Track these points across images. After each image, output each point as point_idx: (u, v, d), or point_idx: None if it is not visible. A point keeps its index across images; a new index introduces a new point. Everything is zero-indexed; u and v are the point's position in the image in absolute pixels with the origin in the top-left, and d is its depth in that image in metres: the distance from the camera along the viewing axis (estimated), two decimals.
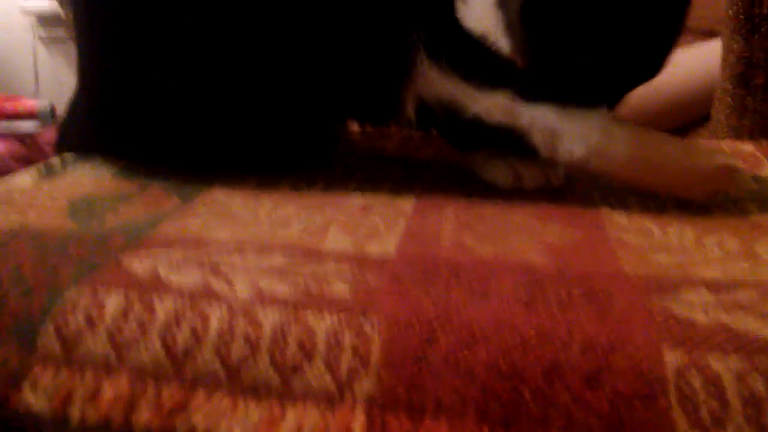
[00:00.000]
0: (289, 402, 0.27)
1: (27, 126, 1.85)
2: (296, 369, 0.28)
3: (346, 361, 0.28)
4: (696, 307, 0.29)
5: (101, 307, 0.31)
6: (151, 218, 0.41)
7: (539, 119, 0.44)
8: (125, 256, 0.35)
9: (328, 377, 0.28)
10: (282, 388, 0.28)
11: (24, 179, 0.50)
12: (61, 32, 2.71)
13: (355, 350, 0.28)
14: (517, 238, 0.38)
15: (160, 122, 0.50)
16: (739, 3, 0.74)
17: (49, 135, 1.90)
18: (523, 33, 0.45)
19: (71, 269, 0.33)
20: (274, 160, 0.52)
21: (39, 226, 0.39)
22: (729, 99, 0.79)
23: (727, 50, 0.78)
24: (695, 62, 0.99)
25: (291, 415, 0.27)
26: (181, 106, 0.49)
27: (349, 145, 0.59)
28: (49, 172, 0.51)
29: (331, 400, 0.27)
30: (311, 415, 0.27)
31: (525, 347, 0.27)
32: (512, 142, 0.45)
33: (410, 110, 0.47)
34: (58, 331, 0.30)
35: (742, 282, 0.32)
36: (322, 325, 0.29)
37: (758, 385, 0.25)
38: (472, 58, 0.45)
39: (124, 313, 0.30)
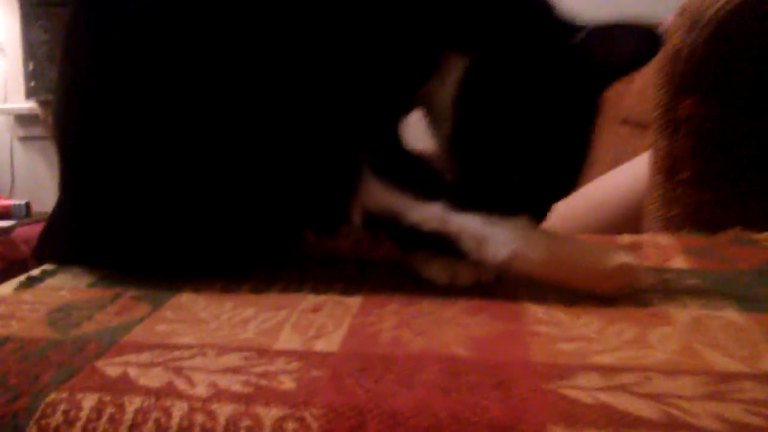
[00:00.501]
0: None
1: (1, 224, 1.89)
2: None
3: None
4: (584, 390, 0.35)
5: (78, 408, 0.35)
6: (123, 325, 0.46)
7: (468, 227, 0.50)
8: (99, 361, 0.40)
9: None
10: None
11: (5, 290, 0.55)
12: (38, 131, 2.79)
13: None
14: (447, 331, 0.44)
15: (133, 235, 0.56)
16: (661, 107, 0.84)
17: (24, 232, 1.94)
18: (450, 157, 0.53)
19: (51, 375, 0.38)
20: (239, 265, 0.58)
21: (21, 335, 0.44)
22: (659, 192, 0.87)
23: (655, 148, 0.87)
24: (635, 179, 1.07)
25: None
26: (153, 220, 0.55)
27: (307, 246, 0.65)
28: (29, 283, 0.56)
29: None
30: None
31: (440, 428, 0.33)
32: (446, 246, 0.51)
33: (358, 219, 0.54)
34: (40, 429, 0.35)
35: (629, 367, 0.38)
36: (269, 415, 0.34)
37: None
38: (409, 175, 0.52)
39: (98, 412, 0.35)
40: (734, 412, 0.33)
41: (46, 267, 0.60)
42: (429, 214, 0.51)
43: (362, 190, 0.53)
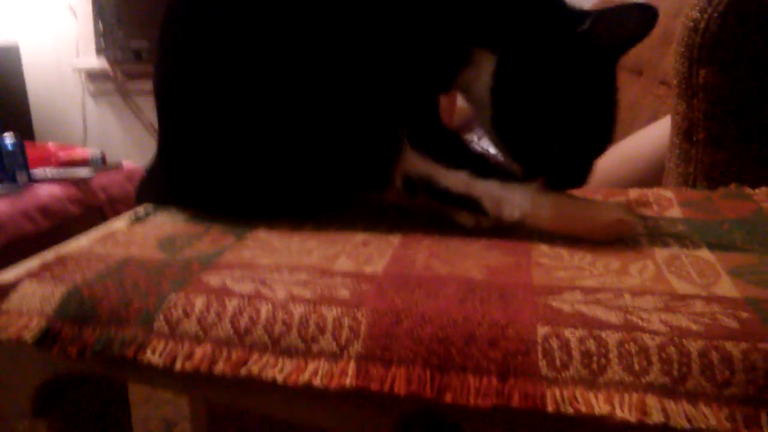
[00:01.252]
0: (309, 359, 0.45)
1: (81, 172, 2.07)
2: (314, 339, 0.45)
3: (344, 335, 0.45)
4: (567, 303, 0.46)
5: (192, 304, 0.49)
6: (217, 250, 0.59)
7: (488, 190, 0.62)
8: (203, 275, 0.53)
9: (333, 344, 0.45)
10: (305, 351, 0.45)
11: (120, 224, 0.69)
12: (107, 87, 2.97)
13: (350, 328, 0.46)
14: (468, 261, 0.56)
15: (217, 182, 0.69)
16: (681, 74, 0.92)
17: (101, 179, 2.12)
18: (495, 137, 0.64)
19: (169, 283, 0.52)
20: (304, 209, 0.70)
21: (141, 256, 0.58)
22: (677, 151, 0.96)
23: (674, 111, 0.96)
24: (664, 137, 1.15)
25: (311, 366, 0.45)
26: (233, 170, 0.67)
27: (357, 195, 0.77)
28: (138, 219, 0.70)
29: (335, 357, 0.45)
30: (323, 366, 0.44)
31: (455, 326, 0.45)
32: (471, 206, 0.63)
33: (399, 182, 0.65)
34: (166, 319, 0.48)
35: (606, 288, 0.49)
36: (331, 313, 0.47)
37: (591, 346, 0.42)
38: (441, 146, 0.64)
39: (207, 308, 0.48)
40: (679, 320, 0.44)
41: (147, 207, 0.74)
42: (457, 179, 0.63)
43: (403, 157, 0.64)
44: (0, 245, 1.65)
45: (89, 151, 2.17)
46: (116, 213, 2.19)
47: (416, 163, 0.63)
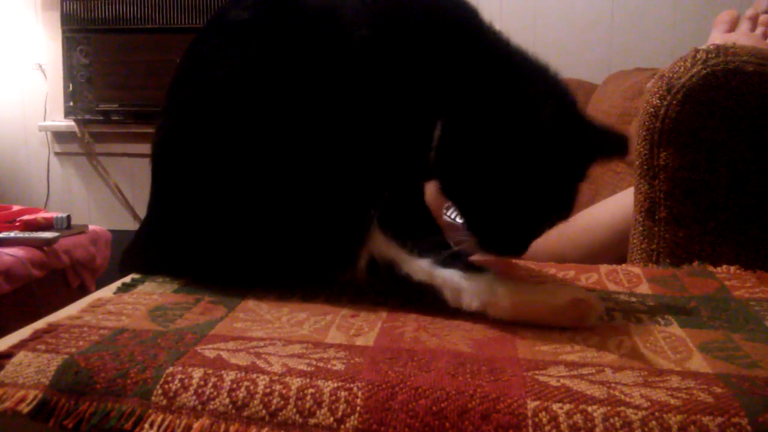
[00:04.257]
0: None
1: (46, 235, 2.04)
2: (311, 413, 0.47)
3: (341, 408, 0.47)
4: (553, 377, 0.49)
5: (190, 377, 0.50)
6: (209, 322, 0.60)
7: (448, 280, 0.63)
8: (198, 347, 0.54)
9: (330, 417, 0.46)
10: (302, 424, 0.46)
11: (107, 293, 0.69)
12: (73, 148, 2.96)
13: (347, 402, 0.47)
14: (455, 334, 0.58)
15: (206, 254, 0.70)
16: (642, 156, 0.98)
17: (65, 243, 2.09)
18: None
19: (166, 355, 0.52)
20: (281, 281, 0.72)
21: (133, 327, 0.59)
22: (640, 228, 1.01)
23: (637, 190, 1.01)
24: (625, 207, 1.21)
25: None
26: (220, 244, 0.69)
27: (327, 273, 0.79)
28: (126, 288, 0.70)
29: (332, 430, 0.46)
30: None
31: (448, 399, 0.47)
32: (431, 295, 0.64)
33: (363, 263, 0.67)
34: (164, 392, 0.49)
35: (587, 363, 0.52)
36: (327, 386, 0.48)
37: (579, 420, 0.44)
38: (412, 232, 0.66)
39: (205, 380, 0.49)
40: (659, 394, 0.47)
41: (134, 276, 0.74)
42: (419, 267, 0.64)
43: (370, 239, 0.66)
44: None
45: (54, 215, 2.14)
46: (79, 276, 2.16)
47: (381, 246, 0.65)
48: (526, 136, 0.60)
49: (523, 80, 0.62)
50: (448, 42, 0.65)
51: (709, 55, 0.87)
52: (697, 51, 0.89)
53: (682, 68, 0.90)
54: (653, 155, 0.95)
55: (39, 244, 2.00)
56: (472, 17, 0.69)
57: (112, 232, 2.35)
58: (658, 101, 0.91)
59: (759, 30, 1.21)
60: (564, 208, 0.65)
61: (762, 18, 1.21)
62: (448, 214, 2.03)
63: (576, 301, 0.60)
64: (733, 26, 1.25)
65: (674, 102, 0.89)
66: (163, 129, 0.73)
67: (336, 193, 0.66)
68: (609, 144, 0.65)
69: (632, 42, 2.36)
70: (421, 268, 0.64)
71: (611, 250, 1.22)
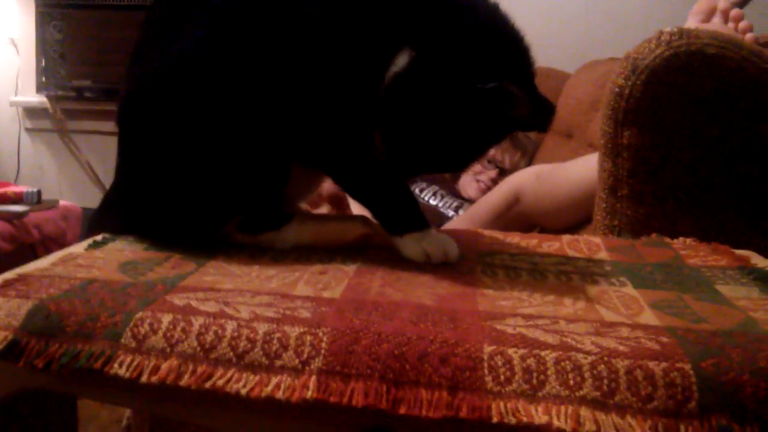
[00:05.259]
0: (272, 373, 0.48)
1: (15, 209, 2.02)
2: (277, 355, 0.48)
3: (306, 351, 0.48)
4: (510, 326, 0.51)
5: (159, 321, 0.51)
6: (179, 275, 0.61)
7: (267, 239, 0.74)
8: (167, 296, 0.55)
9: (295, 359, 0.48)
10: (268, 366, 0.48)
11: (78, 249, 0.70)
12: (44, 124, 2.92)
13: (312, 345, 0.49)
14: (419, 290, 0.60)
15: (167, 217, 0.72)
16: (607, 135, 1.01)
17: (35, 217, 2.07)
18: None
19: (135, 302, 0.54)
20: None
21: (104, 278, 0.60)
22: (603, 205, 1.04)
23: (600, 168, 1.04)
24: (587, 172, 1.27)
25: (274, 380, 0.47)
26: (178, 208, 0.71)
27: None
28: (97, 245, 0.71)
29: (297, 371, 0.48)
30: (285, 381, 0.47)
31: (409, 344, 0.49)
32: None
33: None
34: (133, 335, 0.50)
35: (543, 316, 0.54)
36: (293, 331, 0.50)
37: (532, 363, 0.47)
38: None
39: (174, 325, 0.51)
40: (609, 342, 0.49)
41: (105, 235, 0.75)
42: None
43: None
44: None
45: (24, 189, 2.12)
46: (48, 251, 2.14)
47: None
48: (482, 115, 0.65)
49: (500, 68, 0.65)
50: None
51: (673, 37, 0.90)
52: (661, 33, 0.92)
53: (647, 49, 0.92)
54: (617, 134, 0.98)
55: (8, 217, 1.98)
56: None
57: (83, 209, 2.33)
58: (623, 81, 0.94)
59: (730, 24, 1.25)
60: (469, 161, 0.72)
61: (732, 13, 1.25)
62: (422, 196, 2.06)
63: (364, 235, 0.73)
64: (708, 17, 1.29)
65: (638, 82, 0.92)
66: (131, 95, 0.73)
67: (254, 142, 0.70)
68: (537, 117, 0.65)
69: (607, 33, 2.40)
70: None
71: (581, 206, 1.30)
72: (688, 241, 0.81)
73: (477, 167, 2.06)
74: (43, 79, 2.85)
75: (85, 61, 2.85)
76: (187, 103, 0.68)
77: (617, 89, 0.94)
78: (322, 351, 0.49)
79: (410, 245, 0.70)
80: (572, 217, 1.35)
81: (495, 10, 0.68)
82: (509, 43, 0.68)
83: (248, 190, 0.72)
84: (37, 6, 2.81)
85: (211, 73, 0.68)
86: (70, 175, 2.92)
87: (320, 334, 0.50)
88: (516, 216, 1.51)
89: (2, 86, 2.91)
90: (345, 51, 0.67)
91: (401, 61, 0.66)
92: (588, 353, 0.47)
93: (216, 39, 0.68)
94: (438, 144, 0.68)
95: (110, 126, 2.60)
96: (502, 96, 0.63)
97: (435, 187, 2.08)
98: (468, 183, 2.12)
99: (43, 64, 2.84)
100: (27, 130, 2.95)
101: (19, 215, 1.98)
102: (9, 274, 0.60)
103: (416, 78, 0.66)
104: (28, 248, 2.09)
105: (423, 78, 0.65)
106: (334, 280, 0.62)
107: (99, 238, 0.74)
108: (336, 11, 0.67)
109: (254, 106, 0.68)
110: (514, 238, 0.82)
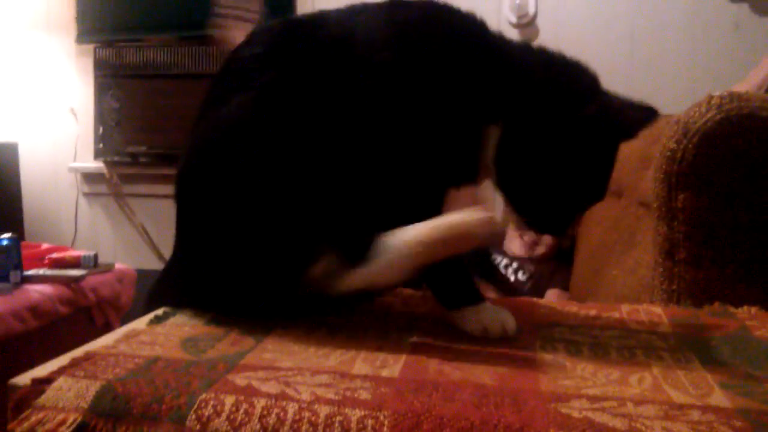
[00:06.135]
0: None
1: (73, 273, 2.08)
2: None
3: None
4: (576, 409, 0.50)
5: (222, 404, 0.51)
6: (239, 352, 0.62)
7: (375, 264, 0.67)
8: (229, 375, 0.56)
9: None
10: None
11: (140, 325, 0.72)
12: (101, 188, 3.03)
13: (373, 429, 0.48)
14: (478, 367, 0.60)
15: (234, 289, 0.73)
16: (661, 198, 0.99)
17: (92, 280, 2.13)
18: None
19: (198, 383, 0.54)
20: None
21: (167, 356, 0.61)
22: (660, 269, 1.02)
23: (656, 232, 1.02)
24: None
25: None
26: (248, 279, 0.71)
27: (366, 303, 0.81)
28: (158, 320, 0.73)
29: None
30: None
31: (472, 429, 0.48)
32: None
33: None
34: (198, 417, 0.51)
35: (610, 397, 0.53)
36: (354, 414, 0.50)
37: None
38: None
39: (236, 407, 0.51)
40: (680, 427, 0.48)
41: (165, 309, 0.77)
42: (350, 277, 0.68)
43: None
44: None
45: (82, 253, 2.19)
46: (104, 314, 2.19)
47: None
48: (570, 135, 0.69)
49: (560, 84, 0.71)
50: (468, 56, 0.71)
51: (724, 101, 0.90)
52: (711, 97, 0.92)
53: (698, 113, 0.92)
54: (671, 197, 0.97)
55: (67, 282, 2.04)
56: (482, 28, 0.75)
57: (137, 271, 2.39)
58: (674, 145, 0.93)
59: None
60: (603, 192, 0.74)
61: None
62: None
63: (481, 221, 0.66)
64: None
65: (690, 145, 0.91)
66: (184, 168, 0.75)
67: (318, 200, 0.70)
68: (635, 121, 0.71)
69: (651, 88, 2.39)
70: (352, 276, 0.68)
71: None
72: (753, 310, 0.79)
73: None
74: (101, 145, 2.97)
75: (140, 128, 2.97)
76: (244, 173, 0.69)
77: (669, 153, 0.93)
78: None
79: (467, 319, 0.70)
80: None
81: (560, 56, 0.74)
82: (582, 73, 0.73)
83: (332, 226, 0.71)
84: (96, 76, 2.96)
85: (268, 144, 0.69)
86: (124, 238, 3.01)
87: (381, 417, 0.49)
88: None
89: (62, 153, 3.04)
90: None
91: (494, 134, 0.71)
92: None
93: (270, 113, 0.70)
94: (570, 183, 0.71)
95: (163, 189, 2.69)
96: (601, 113, 0.68)
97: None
98: (511, 240, 2.11)
99: (101, 131, 2.96)
100: (84, 194, 3.06)
101: (77, 279, 2.04)
102: (77, 352, 0.62)
103: (520, 137, 0.70)
104: (84, 311, 2.14)
105: (528, 133, 0.70)
106: (392, 357, 0.62)
107: (160, 312, 0.76)
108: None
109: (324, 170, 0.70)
110: (572, 308, 0.81)
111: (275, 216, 0.69)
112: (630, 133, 0.71)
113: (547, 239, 2.07)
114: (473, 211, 0.65)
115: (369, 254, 0.66)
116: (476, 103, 0.71)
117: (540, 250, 2.09)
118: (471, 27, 0.74)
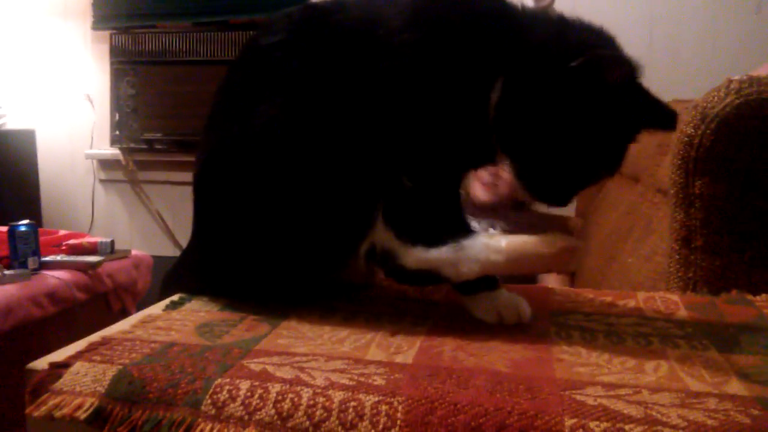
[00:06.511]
0: None
1: (91, 259, 2.10)
2: (353, 425, 0.48)
3: (382, 421, 0.48)
4: (590, 396, 0.50)
5: (238, 389, 0.52)
6: (254, 338, 0.62)
7: (443, 258, 0.66)
8: (244, 360, 0.56)
9: (371, 430, 0.48)
10: None
11: (157, 310, 0.72)
12: (118, 175, 3.06)
13: (387, 415, 0.49)
14: (493, 354, 0.59)
15: (250, 275, 0.73)
16: (678, 185, 0.98)
17: (108, 267, 2.15)
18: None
19: (214, 368, 0.55)
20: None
21: (182, 341, 0.61)
22: (677, 257, 1.01)
23: (672, 219, 1.01)
24: None
25: None
26: (263, 265, 0.72)
27: (380, 290, 0.81)
28: (174, 306, 0.73)
29: None
30: None
31: (486, 415, 0.48)
32: (432, 279, 0.68)
33: (362, 250, 0.69)
34: (213, 402, 0.51)
35: (625, 384, 0.53)
36: (368, 399, 0.50)
37: None
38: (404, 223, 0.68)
39: (251, 392, 0.51)
40: (696, 415, 0.47)
41: (181, 295, 0.77)
42: (413, 257, 0.67)
43: (374, 227, 0.68)
44: (7, 328, 1.66)
45: (99, 239, 2.21)
46: (120, 300, 2.22)
47: (381, 236, 0.68)
48: (559, 88, 0.64)
49: (585, 45, 0.65)
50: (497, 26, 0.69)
51: (743, 85, 0.88)
52: (730, 81, 0.90)
53: (716, 98, 0.90)
54: (689, 184, 0.96)
55: (84, 268, 2.06)
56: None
57: (153, 257, 2.41)
58: (692, 130, 0.92)
59: None
60: (610, 166, 0.68)
61: None
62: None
63: (564, 250, 0.64)
64: None
65: (708, 131, 0.90)
66: (203, 157, 0.75)
67: (347, 187, 0.68)
68: (660, 115, 0.68)
69: (670, 72, 2.36)
70: (414, 257, 0.67)
71: None
72: None
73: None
74: (117, 132, 2.98)
75: (156, 114, 2.98)
76: (275, 162, 0.69)
77: (686, 138, 0.92)
78: (398, 422, 0.48)
79: (482, 306, 0.70)
80: None
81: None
82: (586, 30, 0.69)
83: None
84: (112, 63, 2.97)
85: (300, 135, 0.69)
86: (140, 224, 3.03)
87: (395, 403, 0.49)
88: None
89: (79, 140, 3.06)
90: (445, 96, 0.68)
91: (495, 91, 0.67)
92: (675, 428, 0.46)
93: (300, 102, 0.70)
94: (567, 145, 0.65)
95: (179, 176, 2.69)
96: (594, 65, 0.63)
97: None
98: (474, 188, 1.98)
99: (117, 118, 2.98)
100: (101, 181, 3.09)
101: (94, 266, 2.06)
102: (94, 337, 0.62)
103: (517, 93, 0.66)
104: (101, 297, 2.16)
105: (523, 89, 0.66)
106: (406, 343, 0.62)
107: (176, 298, 0.76)
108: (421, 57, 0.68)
109: (351, 150, 0.69)
110: (588, 295, 0.80)
111: (310, 201, 0.69)
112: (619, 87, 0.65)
113: (505, 176, 1.88)
114: (557, 236, 0.66)
115: (443, 241, 0.67)
116: (494, 78, 0.68)
117: (502, 189, 1.90)
118: (491, 3, 0.72)
